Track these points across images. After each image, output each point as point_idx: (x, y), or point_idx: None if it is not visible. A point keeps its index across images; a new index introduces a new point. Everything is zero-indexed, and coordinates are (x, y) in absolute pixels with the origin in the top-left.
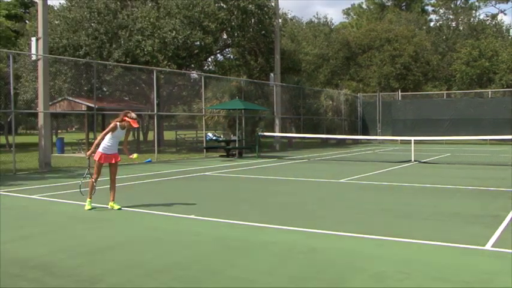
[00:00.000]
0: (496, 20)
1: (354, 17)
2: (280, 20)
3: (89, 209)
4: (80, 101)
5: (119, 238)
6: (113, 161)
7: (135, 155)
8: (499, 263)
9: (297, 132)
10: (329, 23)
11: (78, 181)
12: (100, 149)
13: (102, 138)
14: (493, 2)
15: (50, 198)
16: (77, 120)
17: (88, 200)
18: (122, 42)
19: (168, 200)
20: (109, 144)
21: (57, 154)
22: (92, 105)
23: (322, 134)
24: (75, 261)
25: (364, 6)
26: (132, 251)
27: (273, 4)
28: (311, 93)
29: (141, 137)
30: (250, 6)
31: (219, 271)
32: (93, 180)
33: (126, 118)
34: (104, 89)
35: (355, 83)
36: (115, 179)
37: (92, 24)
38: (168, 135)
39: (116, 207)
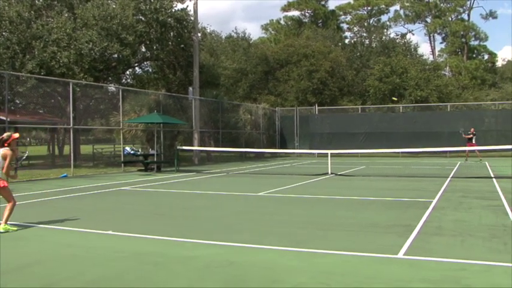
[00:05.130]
0: (405, 39)
1: (273, 32)
2: (199, 34)
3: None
4: None
5: (34, 257)
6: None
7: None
8: (411, 270)
9: (215, 146)
10: (248, 37)
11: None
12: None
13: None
14: (402, 22)
15: None
16: None
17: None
18: (36, 53)
19: (84, 216)
20: None
21: None
22: (4, 118)
23: (241, 147)
24: None
25: (282, 22)
26: (48, 269)
27: (192, 18)
28: (230, 107)
29: (57, 151)
30: (169, 19)
31: None
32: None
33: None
34: (17, 102)
35: (273, 97)
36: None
37: (4, 33)
38: (85, 149)
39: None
